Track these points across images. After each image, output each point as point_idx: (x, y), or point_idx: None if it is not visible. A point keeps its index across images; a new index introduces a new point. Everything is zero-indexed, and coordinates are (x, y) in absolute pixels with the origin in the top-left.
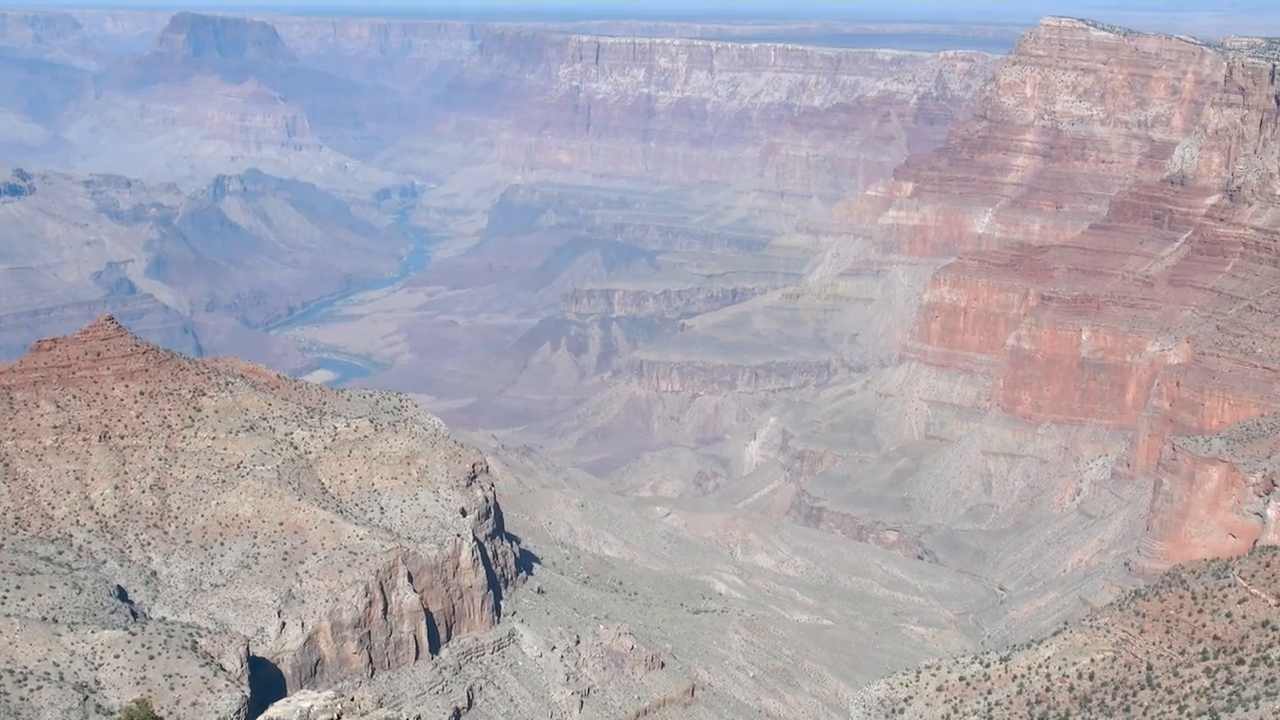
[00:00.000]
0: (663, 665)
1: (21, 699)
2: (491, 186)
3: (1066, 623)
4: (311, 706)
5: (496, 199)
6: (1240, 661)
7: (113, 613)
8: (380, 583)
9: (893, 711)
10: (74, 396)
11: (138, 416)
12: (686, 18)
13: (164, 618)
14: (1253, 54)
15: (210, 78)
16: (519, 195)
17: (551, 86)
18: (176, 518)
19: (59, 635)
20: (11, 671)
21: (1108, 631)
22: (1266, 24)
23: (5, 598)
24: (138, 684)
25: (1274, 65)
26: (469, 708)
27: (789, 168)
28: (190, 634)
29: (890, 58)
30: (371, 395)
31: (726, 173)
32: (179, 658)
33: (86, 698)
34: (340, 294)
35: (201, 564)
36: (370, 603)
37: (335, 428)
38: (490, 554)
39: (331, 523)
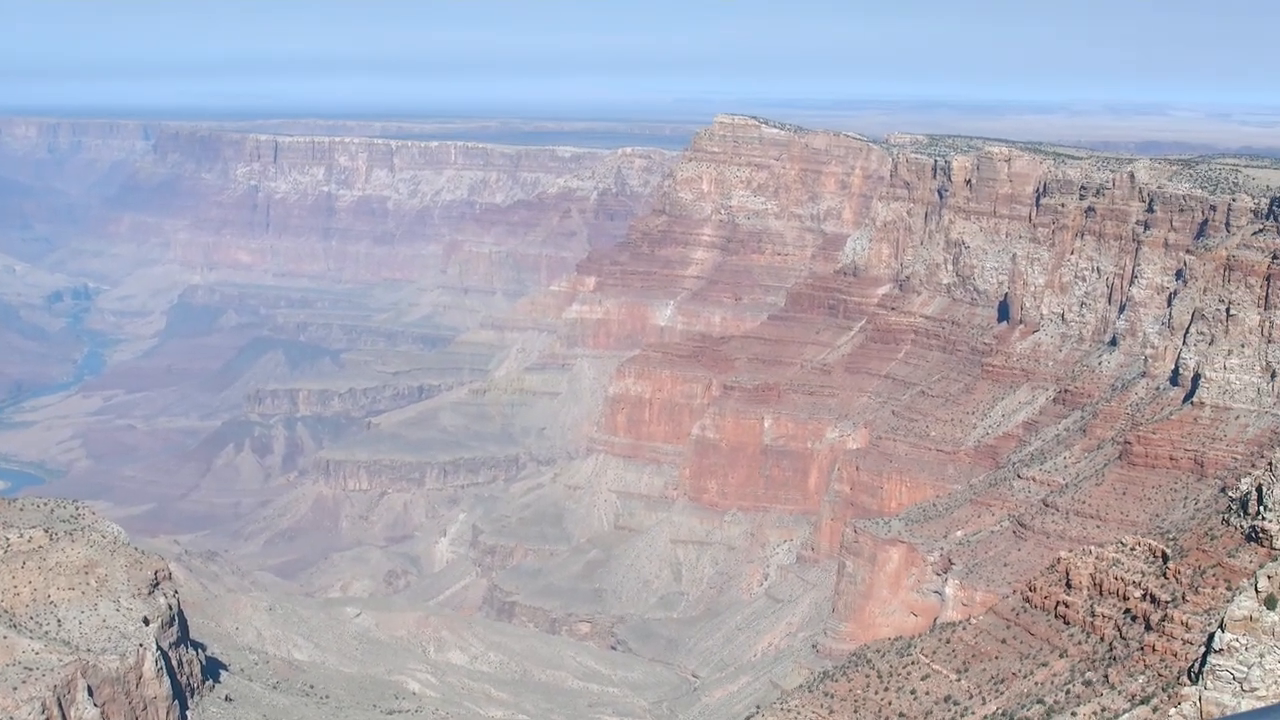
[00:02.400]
0: None
1: None
2: (169, 287)
3: (759, 707)
4: None
5: (174, 300)
6: None
7: None
8: (58, 698)
9: None
10: None
11: None
12: (366, 116)
13: None
14: (915, 150)
15: None
16: (198, 296)
17: (229, 186)
18: None
19: None
20: None
21: (798, 714)
22: (927, 121)
23: None
24: None
25: (935, 160)
26: None
27: (472, 264)
28: None
29: (570, 155)
30: (46, 504)
31: (410, 270)
32: None
33: None
34: (10, 401)
35: None
36: (48, 719)
37: (7, 539)
38: (175, 663)
39: (4, 638)
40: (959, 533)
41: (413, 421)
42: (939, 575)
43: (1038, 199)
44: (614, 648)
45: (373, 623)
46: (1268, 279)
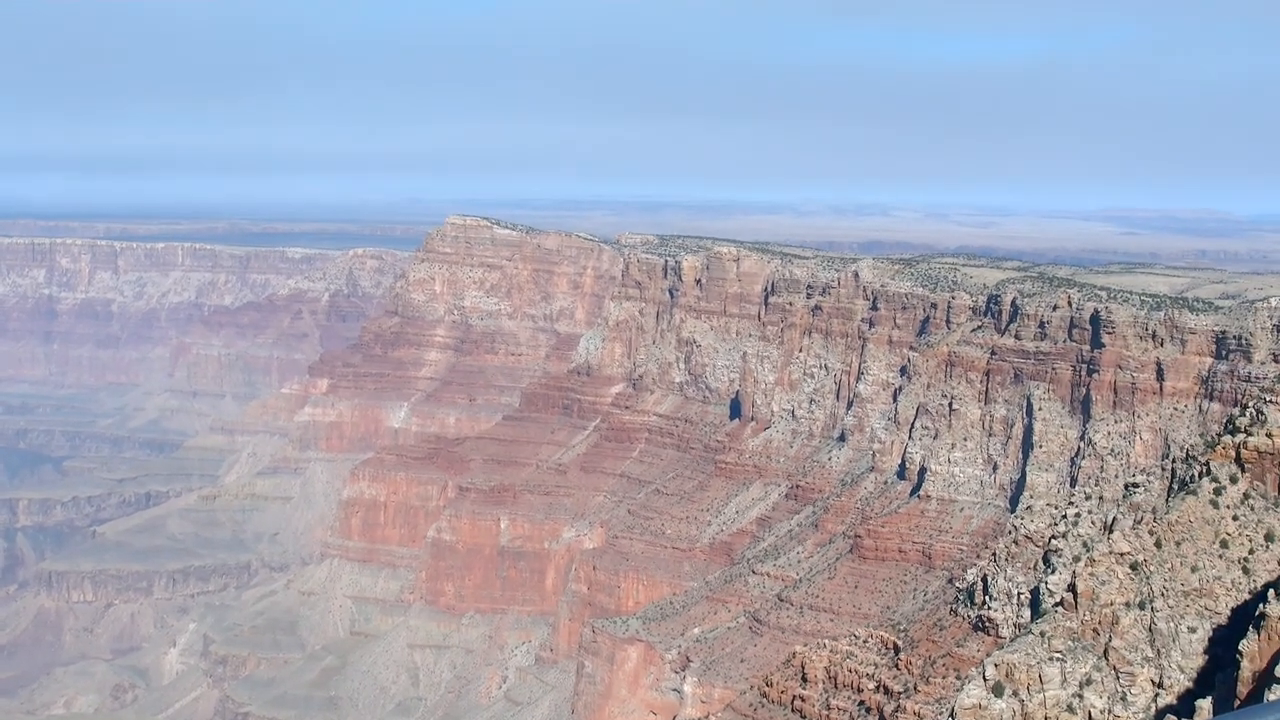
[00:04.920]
0: None
1: None
2: None
3: None
4: None
5: None
6: None
7: None
8: None
9: None
10: None
11: None
12: (88, 217)
13: None
14: (646, 250)
15: None
16: None
17: None
18: None
19: None
20: None
21: None
22: (656, 221)
23: None
24: None
25: (666, 260)
26: None
27: (201, 367)
28: None
29: (300, 255)
30: None
31: (135, 374)
32: None
33: None
34: None
35: None
36: None
37: None
38: None
39: None
40: (696, 630)
41: (139, 529)
42: (677, 673)
43: (766, 298)
44: None
45: None
46: (987, 374)
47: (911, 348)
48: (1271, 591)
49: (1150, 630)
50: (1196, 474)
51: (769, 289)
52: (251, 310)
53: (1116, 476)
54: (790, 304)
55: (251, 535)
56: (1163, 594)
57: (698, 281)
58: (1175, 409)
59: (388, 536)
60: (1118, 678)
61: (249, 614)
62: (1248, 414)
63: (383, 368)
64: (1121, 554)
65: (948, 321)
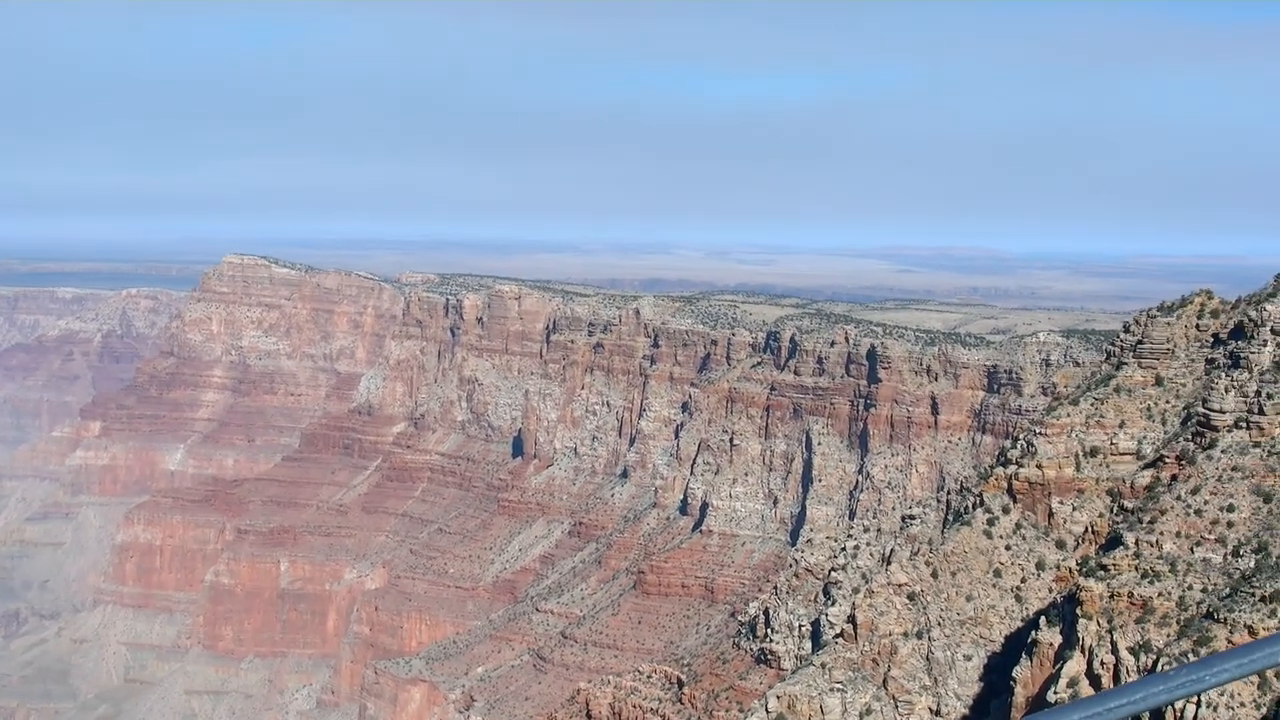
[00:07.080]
0: None
1: None
2: None
3: None
4: None
5: None
6: None
7: None
8: None
9: None
10: None
11: None
12: None
13: None
14: (428, 289)
15: None
16: None
17: None
18: None
19: None
20: None
21: None
22: (438, 260)
23: None
24: None
25: (447, 299)
26: None
27: None
28: None
29: (71, 296)
30: None
31: None
32: None
33: None
34: None
35: None
36: None
37: None
38: None
39: None
40: (480, 669)
41: None
42: (461, 713)
43: (548, 335)
44: None
45: None
46: (767, 410)
47: (693, 384)
48: (1043, 618)
49: (928, 659)
50: (970, 505)
51: (551, 327)
52: (20, 352)
53: (894, 509)
54: (572, 342)
55: (20, 583)
56: (939, 623)
57: (479, 320)
58: (949, 442)
59: (164, 581)
60: (896, 706)
61: (18, 664)
62: (1019, 446)
63: (158, 409)
64: (899, 585)
65: (728, 358)
